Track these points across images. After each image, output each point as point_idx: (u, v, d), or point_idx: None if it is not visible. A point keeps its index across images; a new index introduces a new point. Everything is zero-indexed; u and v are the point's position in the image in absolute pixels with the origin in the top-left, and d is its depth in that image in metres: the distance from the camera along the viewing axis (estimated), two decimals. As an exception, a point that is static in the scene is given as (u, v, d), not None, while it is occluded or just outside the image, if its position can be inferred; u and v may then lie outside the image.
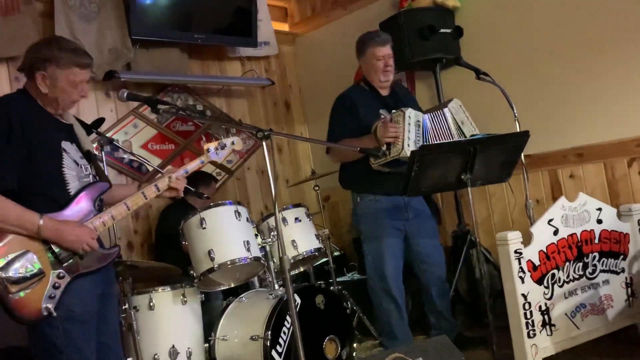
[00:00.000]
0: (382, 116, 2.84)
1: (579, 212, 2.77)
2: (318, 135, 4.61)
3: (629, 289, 2.87)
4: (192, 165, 2.35)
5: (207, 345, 2.78)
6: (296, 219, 3.00)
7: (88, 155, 2.17)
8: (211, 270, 2.58)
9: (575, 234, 2.73)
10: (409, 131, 2.67)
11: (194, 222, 2.67)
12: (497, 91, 2.88)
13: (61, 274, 1.94)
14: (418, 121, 2.73)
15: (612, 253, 2.84)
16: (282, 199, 4.54)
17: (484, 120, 3.13)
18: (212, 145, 2.39)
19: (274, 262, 2.93)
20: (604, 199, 3.28)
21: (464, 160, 2.41)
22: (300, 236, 2.96)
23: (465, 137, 2.76)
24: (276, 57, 4.73)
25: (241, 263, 2.61)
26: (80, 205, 2.03)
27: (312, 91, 4.83)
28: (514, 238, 2.54)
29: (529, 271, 2.56)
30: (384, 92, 3.09)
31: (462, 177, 2.44)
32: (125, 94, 2.17)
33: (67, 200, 2.01)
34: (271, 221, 2.99)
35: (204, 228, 2.63)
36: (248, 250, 2.64)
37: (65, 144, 2.06)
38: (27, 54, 2.05)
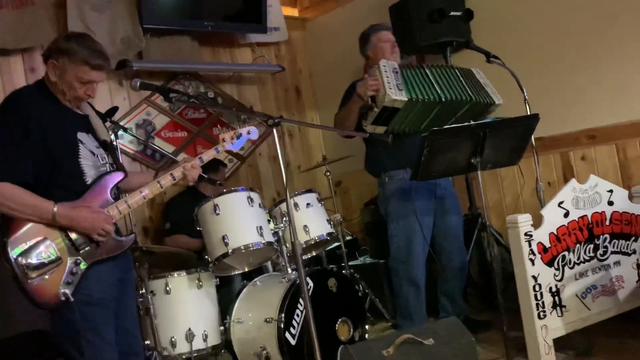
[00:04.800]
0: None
1: (589, 194, 2.77)
2: (329, 121, 4.63)
3: (640, 270, 2.88)
4: (207, 155, 2.39)
5: (222, 328, 2.84)
6: (308, 204, 3.04)
7: (104, 145, 2.22)
8: (225, 255, 2.64)
9: (586, 215, 2.74)
10: (387, 77, 2.72)
11: (208, 208, 2.72)
12: (507, 74, 2.88)
13: (78, 261, 2.00)
14: (395, 69, 2.79)
15: (623, 235, 2.84)
16: (294, 184, 4.58)
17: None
18: (227, 135, 2.43)
19: (286, 246, 2.98)
20: (616, 181, 3.27)
21: (474, 144, 2.42)
22: (312, 221, 2.99)
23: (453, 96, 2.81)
24: (286, 43, 4.74)
25: (254, 248, 2.66)
26: (97, 194, 2.08)
27: (323, 76, 4.84)
28: (524, 221, 2.55)
29: (539, 253, 2.58)
30: None
31: (472, 160, 2.45)
32: (138, 83, 2.20)
33: (83, 189, 2.06)
34: (283, 207, 3.02)
35: (218, 214, 2.68)
36: (261, 235, 2.69)
37: (81, 135, 2.10)
38: (50, 43, 2.09)
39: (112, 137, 3.11)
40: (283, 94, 4.71)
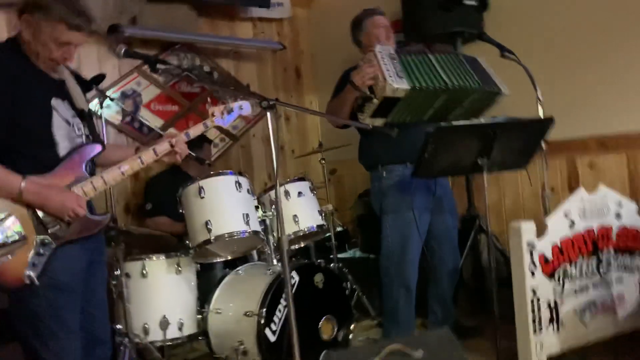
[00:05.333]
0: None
1: (597, 206, 2.61)
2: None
3: (643, 289, 2.74)
4: (195, 130, 2.21)
5: (200, 316, 2.69)
6: (299, 193, 2.87)
7: (81, 114, 2.03)
8: (207, 241, 2.47)
9: (592, 228, 2.59)
10: (385, 64, 2.50)
11: (192, 190, 2.54)
12: (519, 71, 2.71)
13: (46, 241, 1.82)
14: (391, 54, 2.57)
15: (628, 250, 2.70)
16: (287, 169, 4.41)
17: (504, 101, 2.96)
18: (217, 109, 2.25)
19: (273, 236, 2.82)
20: (623, 192, 3.11)
21: (482, 144, 2.25)
22: (303, 211, 2.83)
23: (451, 83, 2.60)
24: (289, 21, 4.53)
25: (239, 237, 2.49)
26: (70, 168, 1.90)
27: (325, 58, 4.63)
28: (527, 229, 2.39)
29: (541, 264, 2.43)
30: None
31: (479, 161, 2.29)
32: (122, 50, 2.01)
33: (55, 162, 1.88)
34: (273, 194, 2.86)
35: (202, 197, 2.51)
36: (247, 223, 2.52)
37: (56, 102, 1.91)
38: None
39: (98, 107, 2.91)
40: (282, 74, 4.51)
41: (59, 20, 1.79)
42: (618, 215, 2.66)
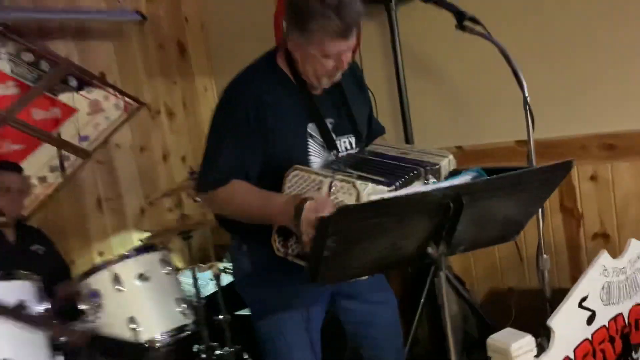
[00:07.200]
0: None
1: (628, 275, 1.59)
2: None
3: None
4: None
5: None
6: (141, 276, 1.73)
7: None
8: None
9: (621, 314, 1.57)
10: None
11: None
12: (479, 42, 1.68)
13: None
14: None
15: (671, 333, 1.71)
16: (176, 181, 3.23)
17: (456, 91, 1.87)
18: None
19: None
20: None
21: (434, 223, 1.13)
22: (146, 309, 1.71)
23: None
24: (164, -23, 3.25)
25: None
26: None
27: (221, 27, 3.40)
28: (523, 349, 1.34)
29: (545, 402, 1.40)
30: (317, 90, 1.65)
31: (429, 250, 1.17)
32: None
33: None
34: (94, 280, 1.72)
35: None
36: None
37: None
38: None
39: None
40: (157, 53, 3.23)
41: None
42: (657, 282, 1.65)
